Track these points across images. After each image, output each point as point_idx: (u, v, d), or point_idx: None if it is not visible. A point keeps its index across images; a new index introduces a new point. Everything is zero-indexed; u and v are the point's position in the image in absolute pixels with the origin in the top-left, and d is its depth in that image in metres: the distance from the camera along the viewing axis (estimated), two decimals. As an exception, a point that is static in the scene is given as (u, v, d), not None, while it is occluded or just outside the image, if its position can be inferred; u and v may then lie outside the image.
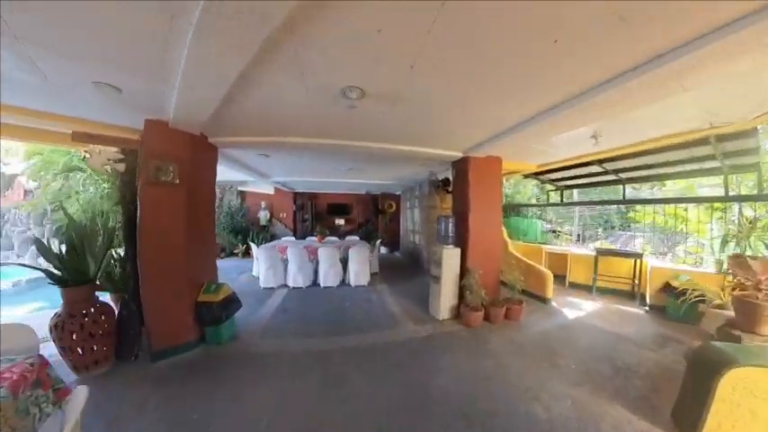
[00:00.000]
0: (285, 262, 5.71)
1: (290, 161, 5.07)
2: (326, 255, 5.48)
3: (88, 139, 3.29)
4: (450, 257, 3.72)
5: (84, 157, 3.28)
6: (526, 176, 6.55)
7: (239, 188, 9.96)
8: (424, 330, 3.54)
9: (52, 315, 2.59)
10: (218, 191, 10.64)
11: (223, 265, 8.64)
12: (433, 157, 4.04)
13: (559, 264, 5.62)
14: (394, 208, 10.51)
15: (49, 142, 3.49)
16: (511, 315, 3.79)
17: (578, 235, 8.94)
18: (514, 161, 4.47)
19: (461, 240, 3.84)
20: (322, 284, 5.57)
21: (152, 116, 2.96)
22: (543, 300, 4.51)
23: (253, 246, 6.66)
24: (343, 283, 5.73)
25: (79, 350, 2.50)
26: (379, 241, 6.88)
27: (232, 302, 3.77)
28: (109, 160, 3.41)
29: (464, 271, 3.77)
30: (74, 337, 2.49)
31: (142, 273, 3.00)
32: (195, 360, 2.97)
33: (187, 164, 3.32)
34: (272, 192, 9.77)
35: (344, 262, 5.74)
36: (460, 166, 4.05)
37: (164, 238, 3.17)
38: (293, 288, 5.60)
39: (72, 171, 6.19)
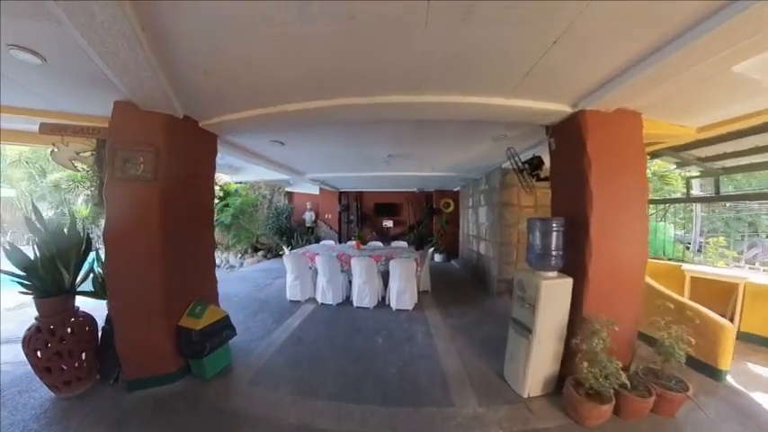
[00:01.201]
0: (315, 272, 4.70)
1: (310, 149, 4.01)
2: (361, 267, 4.27)
3: (58, 131, 2.69)
4: (554, 294, 2.08)
5: (52, 151, 2.68)
6: (653, 155, 4.26)
7: (286, 189, 9.56)
8: (498, 419, 2.01)
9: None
10: (267, 192, 10.52)
11: (264, 266, 8.53)
12: (518, 118, 2.47)
13: (717, 297, 3.37)
14: (452, 207, 8.85)
15: (17, 142, 3.07)
16: (662, 408, 2.00)
17: (699, 244, 6.17)
18: (663, 120, 2.58)
19: (575, 264, 2.16)
20: (355, 303, 4.38)
21: (121, 97, 2.34)
22: (714, 372, 2.50)
23: (286, 250, 5.86)
24: (382, 303, 4.45)
25: (50, 368, 2.20)
26: (431, 249, 5.42)
27: (220, 331, 2.83)
28: (78, 154, 2.77)
29: (578, 319, 2.10)
30: (40, 354, 2.19)
31: (109, 287, 2.49)
32: (172, 397, 2.34)
33: (163, 153, 2.59)
34: (317, 192, 9.09)
35: (386, 275, 4.46)
36: (567, 130, 2.36)
37: (133, 247, 2.53)
38: (321, 304, 4.55)
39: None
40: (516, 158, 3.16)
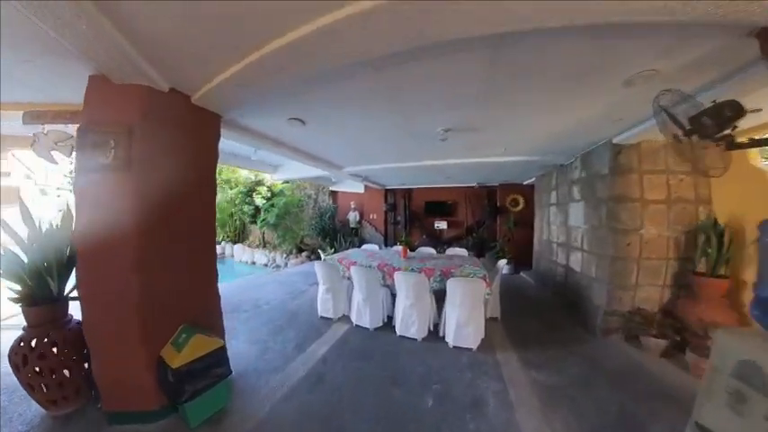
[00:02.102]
0: (351, 283, 3.81)
1: (338, 128, 3.08)
2: (408, 284, 3.20)
3: (38, 118, 2.26)
4: None
5: (32, 144, 2.23)
6: None
7: (330, 188, 9.01)
8: None
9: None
10: (312, 191, 10.17)
11: (305, 269, 7.77)
12: (702, 16, 1.15)
13: None
14: (521, 205, 7.23)
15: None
16: None
17: None
18: None
19: None
20: (398, 330, 3.34)
21: (95, 70, 1.90)
22: None
23: (322, 254, 5.11)
24: (435, 333, 3.32)
25: (32, 385, 1.97)
26: (504, 261, 4.08)
27: (207, 369, 2.12)
28: (56, 143, 2.27)
29: None
30: (19, 370, 1.96)
31: (81, 303, 2.03)
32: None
33: (139, 135, 2.03)
34: (361, 190, 8.32)
35: (440, 294, 3.33)
36: None
37: (104, 254, 2.01)
38: (356, 326, 3.63)
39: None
40: (673, 114, 1.75)
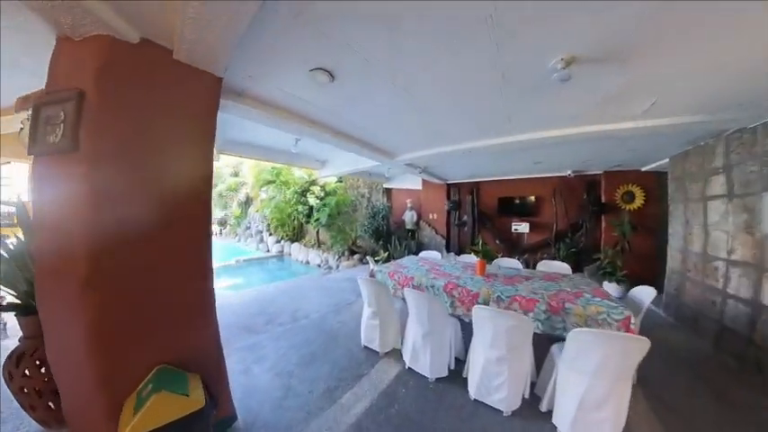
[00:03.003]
0: (404, 306, 2.81)
1: (380, 83, 2.05)
2: (498, 329, 1.98)
3: (24, 104, 1.91)
4: None
5: (20, 130, 1.81)
6: None
7: (384, 185, 8.16)
8: None
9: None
10: (366, 190, 9.48)
11: (355, 274, 7.02)
12: None
13: None
14: (640, 200, 5.26)
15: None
16: None
17: None
18: None
19: None
20: (473, 393, 2.17)
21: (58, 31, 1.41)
22: None
23: (371, 262, 4.21)
24: (532, 403, 2.06)
25: (22, 403, 1.71)
26: (651, 293, 2.51)
27: None
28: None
29: None
30: (6, 386, 1.72)
31: (42, 321, 1.57)
32: None
33: (94, 103, 1.43)
34: (418, 186, 7.26)
35: (540, 340, 2.06)
36: None
37: (52, 265, 1.48)
38: (408, 370, 2.59)
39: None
40: None
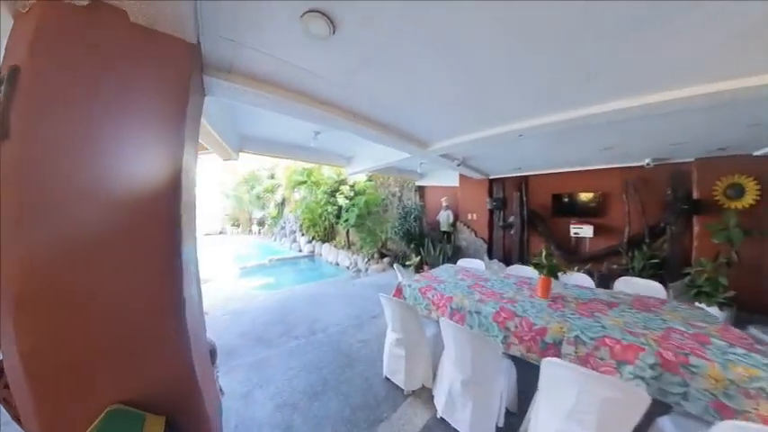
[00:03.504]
0: (438, 331, 2.18)
1: (402, 38, 1.45)
2: (588, 397, 1.29)
3: None
4: None
5: None
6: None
7: (416, 183, 7.51)
8: None
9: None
10: (397, 189, 8.88)
11: (386, 279, 6.21)
12: None
13: None
14: (752, 195, 4.01)
15: None
16: None
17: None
18: None
19: None
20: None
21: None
22: None
23: (398, 272, 3.61)
24: None
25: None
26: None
27: None
28: None
29: None
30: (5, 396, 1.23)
31: None
32: None
33: (25, 82, 1.02)
34: (455, 182, 6.50)
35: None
36: None
37: None
38: (440, 419, 1.96)
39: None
40: None
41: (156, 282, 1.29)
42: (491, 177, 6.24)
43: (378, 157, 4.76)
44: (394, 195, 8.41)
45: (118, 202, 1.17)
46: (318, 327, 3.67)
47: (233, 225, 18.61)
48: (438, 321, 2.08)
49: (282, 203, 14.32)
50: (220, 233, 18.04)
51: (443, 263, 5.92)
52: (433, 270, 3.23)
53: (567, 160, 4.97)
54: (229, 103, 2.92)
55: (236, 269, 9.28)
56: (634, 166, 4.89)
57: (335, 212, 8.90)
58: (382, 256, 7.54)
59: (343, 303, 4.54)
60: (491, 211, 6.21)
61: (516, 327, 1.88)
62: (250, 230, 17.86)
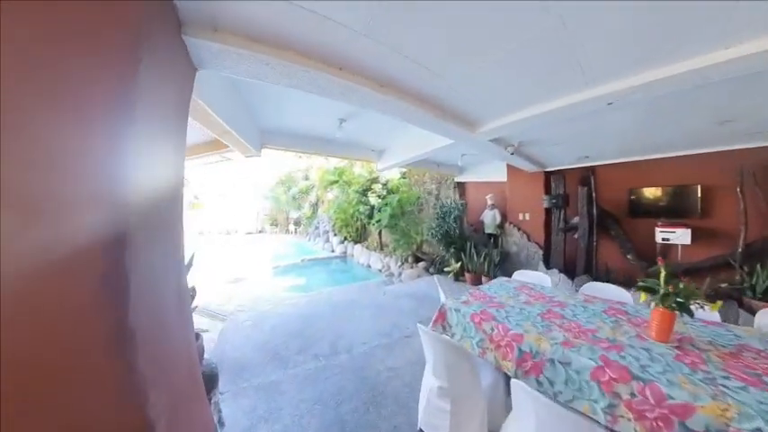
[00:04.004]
0: (498, 378, 1.50)
1: None
2: None
3: None
4: None
5: None
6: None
7: (455, 179, 6.74)
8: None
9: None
10: (433, 186, 8.14)
11: (421, 287, 5.64)
12: None
13: None
14: None
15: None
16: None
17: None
18: None
19: None
20: None
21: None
22: None
23: (440, 290, 2.95)
24: None
25: None
26: None
27: None
28: None
29: None
30: None
31: None
32: None
33: None
34: (502, 177, 5.64)
35: None
36: None
37: None
38: None
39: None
40: None
41: (77, 311, 0.81)
42: (548, 170, 5.26)
43: (412, 148, 4.13)
44: (430, 194, 7.69)
45: (41, 205, 0.70)
46: (342, 345, 3.15)
47: (272, 225, 19.18)
48: (493, 358, 1.39)
49: (316, 204, 14.35)
50: (260, 232, 18.70)
51: (489, 271, 5.09)
52: (484, 287, 2.51)
53: (654, 143, 3.88)
54: (234, 80, 2.51)
55: (269, 268, 9.27)
56: (755, 148, 3.66)
57: (367, 212, 8.43)
58: (417, 260, 6.87)
59: (372, 315, 3.98)
60: (548, 211, 5.23)
61: (636, 396, 1.14)
62: (287, 230, 18.28)
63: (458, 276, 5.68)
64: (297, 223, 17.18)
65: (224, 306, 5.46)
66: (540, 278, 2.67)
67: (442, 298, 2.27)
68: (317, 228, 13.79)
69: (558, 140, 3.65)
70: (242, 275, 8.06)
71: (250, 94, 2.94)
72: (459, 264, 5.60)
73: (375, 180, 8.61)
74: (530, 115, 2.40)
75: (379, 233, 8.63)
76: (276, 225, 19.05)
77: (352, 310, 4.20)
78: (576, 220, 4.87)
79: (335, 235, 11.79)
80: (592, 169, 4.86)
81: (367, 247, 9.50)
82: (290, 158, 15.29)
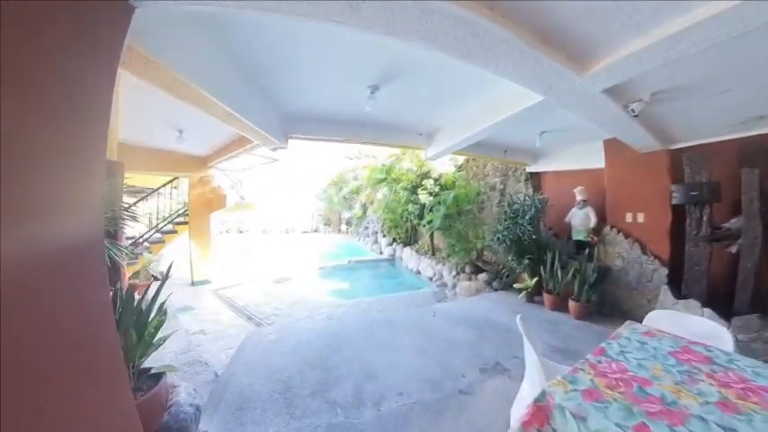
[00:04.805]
0: None
1: None
2: None
3: None
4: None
5: None
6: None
7: (528, 168, 5.38)
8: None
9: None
10: (497, 179, 6.72)
11: (482, 309, 4.14)
12: None
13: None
14: None
15: None
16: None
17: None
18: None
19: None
20: None
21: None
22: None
23: (529, 348, 1.86)
24: None
25: None
26: None
27: None
28: None
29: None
30: None
31: None
32: None
33: None
34: (597, 163, 4.16)
35: None
36: None
37: None
38: None
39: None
40: None
41: None
42: (677, 146, 3.58)
43: (471, 124, 3.05)
44: (493, 188, 6.34)
45: None
46: (370, 392, 2.28)
47: (325, 224, 19.66)
48: None
49: (365, 204, 14.02)
50: (315, 231, 19.28)
51: (580, 294, 3.69)
52: (612, 346, 1.35)
53: None
54: (244, 59, 1.87)
55: (315, 268, 8.98)
56: None
57: (417, 212, 7.44)
58: (477, 270, 5.64)
59: (416, 346, 3.02)
60: (678, 209, 3.55)
61: None
62: (339, 230, 18.58)
63: (532, 296, 4.34)
64: (348, 223, 17.24)
65: (262, 308, 5.17)
66: (705, 329, 1.39)
67: (534, 371, 1.20)
68: (366, 228, 13.47)
69: (725, 83, 2.14)
70: (288, 275, 7.86)
71: (267, 77, 2.35)
72: (536, 280, 4.26)
73: (426, 175, 7.57)
74: (702, 19, 1.17)
75: (431, 235, 7.57)
76: (329, 225, 19.43)
77: (390, 334, 3.31)
78: (733, 222, 3.14)
79: (384, 236, 11.13)
80: (762, 140, 3.08)
81: (417, 251, 8.53)
82: (342, 160, 15.41)
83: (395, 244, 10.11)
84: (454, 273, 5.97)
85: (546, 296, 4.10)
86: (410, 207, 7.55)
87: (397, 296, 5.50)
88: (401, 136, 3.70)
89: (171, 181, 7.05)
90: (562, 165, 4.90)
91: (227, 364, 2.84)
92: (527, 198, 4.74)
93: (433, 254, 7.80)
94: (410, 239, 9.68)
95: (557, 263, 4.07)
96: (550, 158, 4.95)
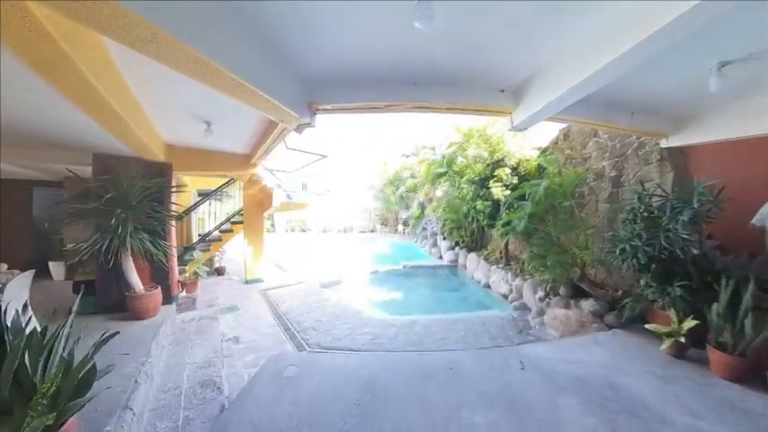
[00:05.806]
0: None
1: None
2: None
3: None
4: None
5: None
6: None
7: (663, 143, 3.59)
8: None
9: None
10: (605, 162, 4.73)
11: (593, 365, 1.73)
12: None
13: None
14: None
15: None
16: None
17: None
18: None
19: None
20: None
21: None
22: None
23: None
24: None
25: None
26: None
27: None
28: None
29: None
30: None
31: None
32: None
33: None
34: None
35: None
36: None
37: None
38: None
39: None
40: None
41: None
42: None
43: (588, 59, 1.69)
44: (601, 176, 4.53)
45: None
46: None
47: (382, 224, 19.25)
48: None
49: (423, 202, 12.90)
50: (372, 231, 19.00)
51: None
52: None
53: None
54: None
55: (368, 272, 8.21)
56: None
57: (488, 210, 5.94)
58: (577, 292, 4.00)
59: (490, 416, 1.79)
60: None
61: None
62: (396, 230, 17.97)
63: (684, 349, 2.64)
64: (405, 223, 16.55)
65: (302, 317, 4.68)
66: None
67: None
68: (424, 229, 12.34)
69: None
70: (338, 278, 7.25)
71: (272, 26, 1.47)
72: (695, 323, 2.57)
73: (499, 163, 6.02)
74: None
75: (506, 241, 6.01)
76: (386, 224, 18.90)
77: (455, 398, 2.13)
78: None
79: (444, 239, 9.79)
80: None
81: (485, 258, 7.03)
82: (398, 158, 14.80)
83: (457, 248, 8.70)
84: (541, 293, 4.41)
85: (714, 353, 2.40)
86: (478, 204, 6.10)
87: (462, 318, 4.24)
88: (472, 94, 2.45)
89: (227, 183, 7.18)
90: (734, 129, 2.92)
91: (233, 398, 2.31)
92: (686, 190, 2.96)
93: (508, 263, 6.21)
94: (476, 244, 8.14)
95: (747, 300, 2.32)
96: (710, 121, 3.03)
